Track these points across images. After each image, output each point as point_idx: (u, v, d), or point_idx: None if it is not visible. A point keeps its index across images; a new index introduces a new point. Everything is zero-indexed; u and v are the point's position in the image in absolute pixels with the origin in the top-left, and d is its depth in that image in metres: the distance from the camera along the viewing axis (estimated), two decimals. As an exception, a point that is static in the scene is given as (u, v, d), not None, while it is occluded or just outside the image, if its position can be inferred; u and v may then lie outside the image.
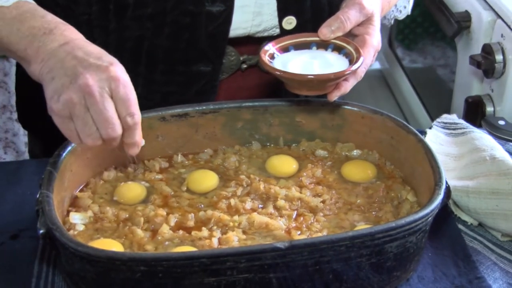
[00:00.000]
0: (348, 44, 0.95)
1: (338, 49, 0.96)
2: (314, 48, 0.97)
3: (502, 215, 0.91)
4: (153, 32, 0.99)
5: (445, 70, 1.78)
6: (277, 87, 1.05)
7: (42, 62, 0.84)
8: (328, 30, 0.94)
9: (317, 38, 0.96)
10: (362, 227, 0.85)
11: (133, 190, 0.92)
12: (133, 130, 0.83)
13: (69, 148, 0.88)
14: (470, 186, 0.94)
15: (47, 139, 1.17)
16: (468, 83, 1.53)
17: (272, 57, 0.95)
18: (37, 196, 0.81)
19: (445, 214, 0.95)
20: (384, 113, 0.96)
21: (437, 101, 1.81)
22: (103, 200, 0.90)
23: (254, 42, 1.06)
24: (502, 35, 1.39)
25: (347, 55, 0.95)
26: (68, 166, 0.87)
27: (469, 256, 0.90)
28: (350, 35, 0.97)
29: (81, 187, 0.92)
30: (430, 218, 0.81)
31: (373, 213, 0.89)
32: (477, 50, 1.44)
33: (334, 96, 0.94)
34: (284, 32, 1.04)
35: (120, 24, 0.99)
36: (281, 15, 1.04)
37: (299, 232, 0.85)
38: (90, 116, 0.80)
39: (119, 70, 0.82)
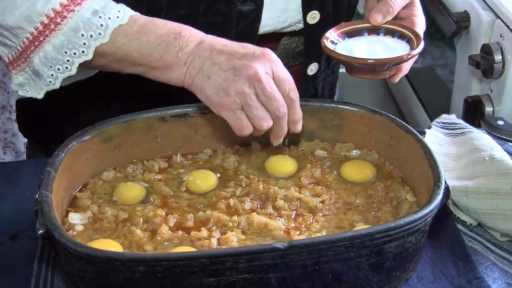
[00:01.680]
0: (399, 27, 0.98)
1: (391, 32, 0.99)
2: (366, 34, 1.00)
3: (501, 215, 0.91)
4: None
5: (444, 70, 1.78)
6: (295, 81, 1.06)
7: (186, 65, 0.88)
8: (379, 16, 0.97)
9: (367, 25, 1.00)
10: (361, 227, 0.85)
11: (132, 191, 0.92)
12: (296, 104, 0.89)
13: (68, 148, 0.88)
14: (469, 186, 0.94)
15: (46, 147, 1.17)
16: (467, 83, 1.53)
17: (332, 43, 0.98)
18: (36, 196, 0.81)
19: (444, 214, 0.96)
20: (383, 113, 0.96)
21: (436, 101, 1.81)
22: (102, 200, 0.90)
23: (275, 37, 1.08)
24: (501, 35, 1.39)
25: (402, 37, 0.98)
26: (67, 167, 0.87)
27: (468, 256, 0.90)
28: (397, 19, 1.01)
29: (80, 187, 0.92)
30: (429, 218, 0.81)
31: (372, 213, 0.89)
32: (476, 50, 1.44)
33: (397, 78, 0.99)
34: (308, 27, 1.07)
35: None
36: (306, 10, 1.06)
37: (298, 232, 0.85)
38: (260, 102, 0.86)
39: (273, 54, 0.87)
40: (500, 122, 1.14)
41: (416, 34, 0.97)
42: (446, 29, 1.56)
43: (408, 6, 1.02)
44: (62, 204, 0.87)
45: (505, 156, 0.97)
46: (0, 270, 0.86)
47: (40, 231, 0.77)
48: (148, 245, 0.83)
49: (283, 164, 0.97)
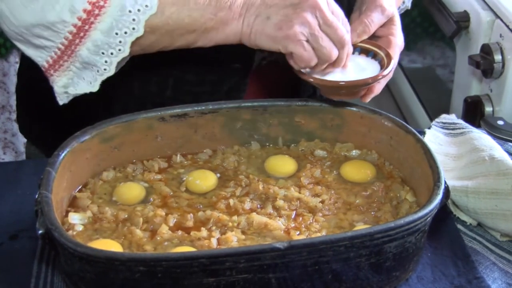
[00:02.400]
0: (374, 46, 0.98)
1: (365, 51, 0.98)
2: None
3: (501, 215, 0.91)
4: None
5: (444, 70, 1.78)
6: (295, 82, 1.06)
7: (241, 16, 0.88)
8: (354, 35, 0.97)
9: None
10: (361, 227, 0.85)
11: (132, 190, 0.92)
12: (349, 34, 0.91)
13: (68, 148, 0.88)
14: (469, 186, 0.94)
15: (46, 147, 1.17)
16: (467, 83, 1.53)
17: None
18: (36, 196, 0.81)
19: (444, 214, 0.96)
20: (383, 113, 0.96)
21: (436, 101, 1.81)
22: (102, 200, 0.90)
23: None
24: (501, 35, 1.39)
25: (375, 57, 0.98)
26: (67, 166, 0.87)
27: (468, 256, 0.90)
28: (374, 37, 1.00)
29: (80, 187, 0.92)
30: (429, 218, 0.81)
31: (372, 213, 0.89)
32: (476, 50, 1.44)
33: (368, 99, 0.98)
34: None
35: None
36: None
37: (298, 232, 0.85)
38: (324, 32, 0.88)
39: None
40: (500, 122, 1.14)
41: (388, 55, 0.96)
42: (446, 29, 1.56)
43: (387, 24, 1.01)
44: (62, 204, 0.87)
45: (505, 156, 0.97)
46: (0, 270, 0.86)
47: (40, 231, 0.77)
48: (148, 245, 0.83)
49: (283, 164, 0.97)
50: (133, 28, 0.86)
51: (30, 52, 0.90)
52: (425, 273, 0.87)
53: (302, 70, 0.94)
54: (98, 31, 0.86)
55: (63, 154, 0.87)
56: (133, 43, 0.88)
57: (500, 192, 0.91)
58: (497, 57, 1.38)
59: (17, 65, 1.27)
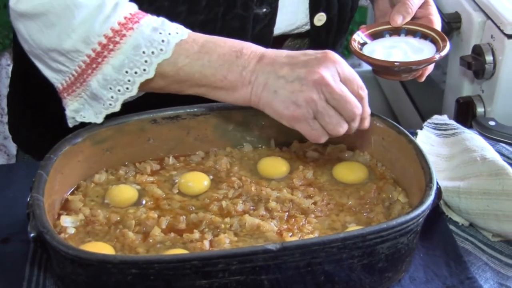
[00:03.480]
0: (419, 27, 1.01)
1: (412, 33, 1.01)
2: (387, 36, 1.02)
3: (493, 215, 0.91)
4: None
5: (436, 71, 1.77)
6: None
7: (250, 84, 0.85)
8: (399, 17, 0.99)
9: (388, 26, 1.02)
10: (354, 228, 0.85)
11: (124, 193, 0.91)
12: (366, 101, 0.86)
13: (60, 151, 0.87)
14: (461, 186, 0.94)
15: (35, 150, 1.16)
16: (458, 84, 1.53)
17: (361, 45, 1.01)
18: (28, 199, 0.81)
19: (436, 215, 0.96)
20: (375, 114, 0.96)
21: (428, 102, 1.82)
22: (94, 203, 0.90)
23: (280, 40, 1.08)
24: (492, 36, 1.39)
25: (425, 36, 1.00)
26: (59, 169, 0.87)
27: (461, 257, 0.90)
28: (414, 18, 1.03)
29: (72, 190, 0.91)
30: (421, 219, 0.81)
31: (365, 214, 0.89)
32: (467, 51, 1.45)
33: (423, 78, 1.02)
34: (314, 29, 1.07)
35: None
36: (313, 12, 1.06)
37: (290, 234, 0.85)
38: (331, 107, 0.83)
39: (335, 54, 0.85)
40: (492, 123, 1.14)
41: (438, 33, 0.99)
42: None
43: (424, 5, 1.04)
44: (54, 207, 0.86)
45: (497, 156, 0.98)
46: (-8, 274, 0.86)
47: (32, 234, 0.77)
48: (140, 247, 0.82)
49: (275, 166, 0.97)
50: (144, 70, 0.86)
51: (47, 73, 0.90)
52: (417, 274, 0.87)
53: (361, 51, 0.97)
54: (110, 66, 0.86)
55: (55, 157, 0.86)
56: (142, 84, 0.87)
57: (491, 192, 0.91)
58: (489, 58, 1.38)
59: (9, 68, 1.27)
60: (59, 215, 0.87)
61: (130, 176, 0.95)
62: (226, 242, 0.83)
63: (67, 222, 0.86)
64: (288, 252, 0.74)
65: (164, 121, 0.96)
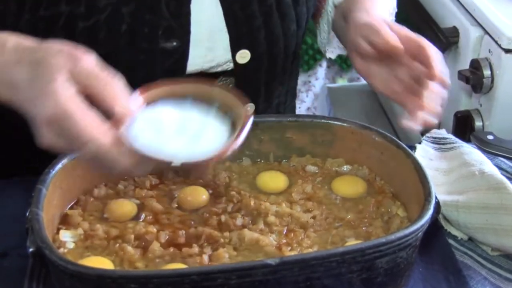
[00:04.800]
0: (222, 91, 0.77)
1: (223, 108, 0.76)
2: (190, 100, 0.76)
3: (492, 229, 0.91)
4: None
5: (434, 85, 1.79)
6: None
7: None
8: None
9: (169, 89, 0.75)
10: (353, 242, 0.85)
11: (123, 207, 0.91)
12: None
13: (59, 165, 0.87)
14: (460, 200, 0.94)
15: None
16: (456, 98, 1.54)
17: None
18: (27, 214, 0.81)
19: (435, 229, 0.96)
20: (374, 128, 0.97)
21: (427, 116, 1.82)
22: (93, 217, 0.90)
23: (207, 77, 1.02)
24: (489, 51, 1.40)
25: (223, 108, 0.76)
26: (58, 184, 0.87)
27: (460, 271, 0.90)
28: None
29: (71, 204, 0.91)
30: (420, 233, 0.81)
31: (364, 228, 0.89)
32: (465, 65, 1.46)
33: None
34: (238, 67, 1.03)
35: None
36: (234, 49, 1.02)
37: (289, 248, 0.85)
38: None
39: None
40: (490, 137, 1.15)
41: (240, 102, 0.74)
42: (435, 45, 1.56)
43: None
44: (53, 221, 0.86)
45: (495, 170, 0.98)
46: (-10, 289, 0.85)
47: (31, 249, 0.77)
48: (139, 262, 0.82)
49: (274, 180, 0.97)
50: None
51: None
52: (416, 288, 0.87)
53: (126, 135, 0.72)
54: None
55: (54, 171, 0.86)
56: None
57: (490, 206, 0.91)
58: (486, 72, 1.39)
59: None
60: (58, 229, 0.87)
61: (129, 190, 0.95)
62: (225, 257, 0.83)
63: (66, 236, 0.86)
64: (287, 267, 0.74)
65: (163, 136, 0.96)
